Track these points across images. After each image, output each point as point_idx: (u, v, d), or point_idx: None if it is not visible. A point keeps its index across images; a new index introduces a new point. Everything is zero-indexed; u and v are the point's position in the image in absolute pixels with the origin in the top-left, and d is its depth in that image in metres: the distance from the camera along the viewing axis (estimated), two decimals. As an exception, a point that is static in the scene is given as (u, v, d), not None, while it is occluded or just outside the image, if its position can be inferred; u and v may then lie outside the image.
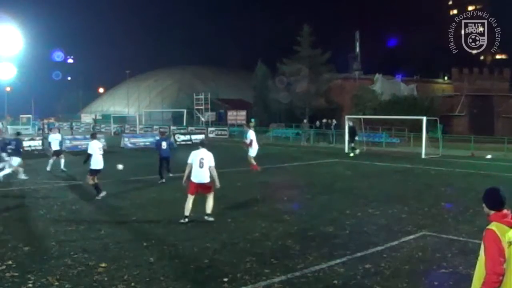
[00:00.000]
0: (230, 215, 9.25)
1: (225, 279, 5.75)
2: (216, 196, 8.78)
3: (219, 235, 7.81)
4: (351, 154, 22.99)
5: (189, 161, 8.68)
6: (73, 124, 51.71)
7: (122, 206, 10.16)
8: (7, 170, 13.92)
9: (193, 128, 43.79)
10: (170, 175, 14.38)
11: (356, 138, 24.43)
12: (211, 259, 6.56)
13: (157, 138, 17.36)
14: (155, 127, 47.02)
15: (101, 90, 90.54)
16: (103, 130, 48.36)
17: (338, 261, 6.48)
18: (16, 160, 13.99)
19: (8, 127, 45.76)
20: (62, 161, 16.55)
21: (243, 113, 49.66)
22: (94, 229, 8.11)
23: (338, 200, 11.11)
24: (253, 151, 16.41)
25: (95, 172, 11.12)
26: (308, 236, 7.81)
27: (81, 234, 7.79)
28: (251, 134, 16.70)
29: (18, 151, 14.23)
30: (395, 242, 7.45)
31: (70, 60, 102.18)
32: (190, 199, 8.61)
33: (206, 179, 8.70)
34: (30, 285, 5.54)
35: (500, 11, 45.33)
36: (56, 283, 5.59)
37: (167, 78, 79.50)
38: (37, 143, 25.06)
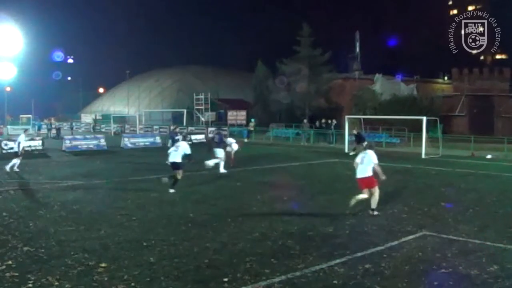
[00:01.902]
0: (230, 215, 9.25)
1: (225, 279, 5.75)
2: (217, 196, 8.75)
3: (219, 235, 7.81)
4: (351, 153, 23.06)
5: (356, 159, 9.85)
6: (73, 124, 51.67)
7: (122, 206, 10.15)
8: (214, 161, 15.91)
9: (193, 128, 43.80)
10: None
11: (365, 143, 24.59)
12: (211, 259, 6.56)
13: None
14: (155, 127, 47.03)
15: (101, 90, 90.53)
16: (103, 130, 48.39)
17: (338, 261, 6.48)
18: (220, 152, 16.05)
19: (8, 127, 45.80)
20: (14, 161, 16.22)
21: (243, 113, 49.65)
22: (94, 229, 8.10)
23: (338, 200, 11.10)
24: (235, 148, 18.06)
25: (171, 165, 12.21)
26: (308, 236, 7.81)
27: (81, 234, 7.79)
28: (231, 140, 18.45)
29: (220, 143, 16.36)
30: (395, 242, 7.45)
31: (70, 60, 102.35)
32: (361, 194, 9.54)
33: (367, 174, 9.50)
34: (30, 285, 5.54)
35: (500, 11, 45.36)
36: (56, 283, 5.59)
37: (167, 78, 79.41)
38: (37, 143, 25.05)
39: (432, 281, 5.79)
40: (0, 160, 19.44)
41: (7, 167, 15.86)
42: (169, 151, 12.75)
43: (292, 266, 6.25)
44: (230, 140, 18.45)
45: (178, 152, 12.23)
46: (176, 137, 18.72)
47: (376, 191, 9.46)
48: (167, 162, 16.99)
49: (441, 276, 5.97)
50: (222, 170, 15.83)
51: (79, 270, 6.03)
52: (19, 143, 16.47)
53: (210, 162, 15.86)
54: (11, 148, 22.86)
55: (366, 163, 9.56)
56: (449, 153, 23.71)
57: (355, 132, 25.05)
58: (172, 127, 24.34)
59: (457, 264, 6.37)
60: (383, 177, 9.52)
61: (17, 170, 16.07)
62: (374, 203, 9.43)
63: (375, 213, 9.38)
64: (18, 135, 19.37)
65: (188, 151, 12.31)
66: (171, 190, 11.74)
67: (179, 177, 11.99)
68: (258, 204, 10.52)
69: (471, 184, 14.03)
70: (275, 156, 22.04)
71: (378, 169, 9.53)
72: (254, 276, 5.89)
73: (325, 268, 6.20)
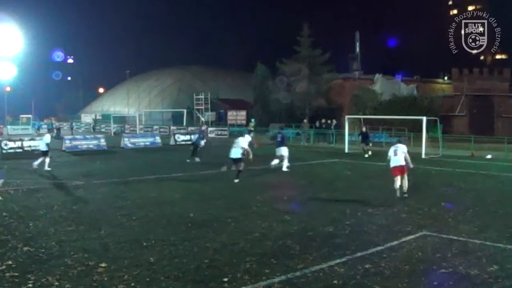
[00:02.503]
0: (230, 215, 9.25)
1: (225, 279, 5.75)
2: (217, 196, 8.76)
3: (219, 235, 7.81)
4: (366, 155, 22.78)
5: (389, 153, 11.91)
6: (73, 124, 51.66)
7: (122, 206, 10.16)
8: (285, 161, 16.88)
9: (193, 128, 43.80)
10: (196, 159, 19.29)
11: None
12: (211, 259, 6.56)
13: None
14: (155, 127, 47.03)
15: (101, 90, 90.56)
16: (103, 130, 48.38)
17: (338, 261, 6.47)
18: (285, 150, 17.03)
19: (8, 127, 45.80)
20: (39, 160, 16.98)
21: (243, 113, 49.65)
22: (94, 229, 8.10)
23: (338, 200, 11.11)
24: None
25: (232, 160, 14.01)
26: (308, 236, 7.80)
27: (81, 234, 7.79)
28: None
29: (283, 142, 17.45)
30: (395, 242, 7.45)
31: (70, 60, 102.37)
32: (397, 179, 11.40)
33: (401, 163, 11.49)
34: (30, 285, 5.54)
35: (500, 11, 45.34)
36: (56, 283, 5.59)
37: (167, 78, 79.43)
38: (37, 143, 24.96)
39: (432, 281, 5.79)
40: (0, 160, 19.48)
41: (46, 167, 16.54)
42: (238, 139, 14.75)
43: (292, 266, 6.24)
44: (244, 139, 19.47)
45: (237, 148, 13.96)
46: (203, 136, 20.96)
47: (406, 177, 11.47)
48: (188, 160, 19.36)
49: (441, 276, 5.97)
50: (285, 168, 16.66)
51: (79, 270, 6.03)
52: (47, 143, 17.11)
53: (274, 162, 16.98)
54: (11, 148, 22.99)
55: (400, 154, 11.62)
56: (449, 153, 23.71)
57: (364, 129, 25.04)
58: (203, 127, 25.50)
59: (457, 264, 6.37)
60: (411, 165, 11.73)
61: (49, 168, 16.62)
62: (405, 187, 11.35)
63: (406, 195, 11.21)
64: (36, 135, 19.50)
65: (249, 138, 15.31)
66: (236, 180, 13.67)
67: (241, 168, 13.89)
68: (258, 204, 10.51)
69: (471, 184, 14.03)
70: (275, 156, 21.99)
71: (408, 157, 11.62)
72: (254, 276, 5.89)
73: (325, 268, 6.20)
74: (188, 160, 19.21)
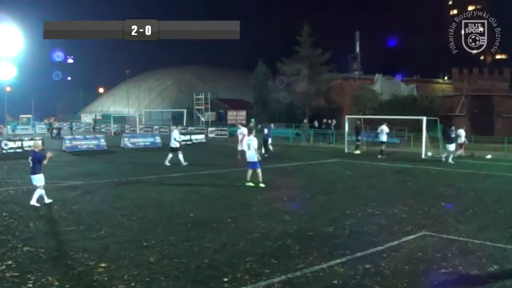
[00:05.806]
0: (230, 215, 9.26)
1: (225, 279, 5.75)
2: (217, 196, 8.73)
3: (219, 235, 7.81)
4: (357, 152, 24.22)
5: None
6: (73, 124, 51.61)
7: (122, 206, 10.16)
8: (451, 155, 19.93)
9: (193, 128, 43.80)
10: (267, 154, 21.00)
11: (359, 138, 25.13)
12: (211, 259, 6.56)
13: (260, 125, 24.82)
14: (155, 127, 47.03)
15: (101, 90, 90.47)
16: (103, 130, 48.36)
17: (338, 261, 6.48)
18: (453, 146, 20.01)
19: (8, 127, 45.79)
20: (180, 156, 17.77)
21: (243, 113, 49.68)
22: (94, 229, 8.10)
23: (338, 200, 11.11)
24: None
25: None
26: (308, 236, 7.81)
27: (81, 234, 7.79)
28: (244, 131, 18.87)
29: (449, 139, 20.09)
30: (395, 242, 7.45)
31: (70, 60, 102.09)
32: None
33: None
34: (30, 285, 5.54)
35: (500, 11, 45.34)
36: (56, 283, 5.59)
37: (167, 78, 79.44)
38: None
39: (432, 281, 5.80)
40: (0, 160, 19.47)
41: (166, 161, 17.54)
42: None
43: (292, 266, 6.25)
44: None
45: (383, 134, 21.68)
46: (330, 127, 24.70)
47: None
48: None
49: (441, 276, 5.97)
50: (450, 160, 19.70)
51: (79, 270, 6.03)
52: (174, 139, 17.83)
53: (443, 157, 20.18)
54: (11, 148, 23.00)
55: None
56: (449, 153, 23.68)
57: (358, 122, 25.54)
58: (306, 123, 27.29)
59: (457, 264, 6.37)
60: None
61: (185, 163, 17.53)
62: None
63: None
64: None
65: (387, 130, 21.75)
66: (379, 156, 20.99)
67: (383, 148, 21.64)
68: (258, 204, 10.51)
69: (471, 184, 14.02)
70: (275, 156, 22.00)
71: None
72: (254, 276, 5.89)
73: (325, 268, 6.20)
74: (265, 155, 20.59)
